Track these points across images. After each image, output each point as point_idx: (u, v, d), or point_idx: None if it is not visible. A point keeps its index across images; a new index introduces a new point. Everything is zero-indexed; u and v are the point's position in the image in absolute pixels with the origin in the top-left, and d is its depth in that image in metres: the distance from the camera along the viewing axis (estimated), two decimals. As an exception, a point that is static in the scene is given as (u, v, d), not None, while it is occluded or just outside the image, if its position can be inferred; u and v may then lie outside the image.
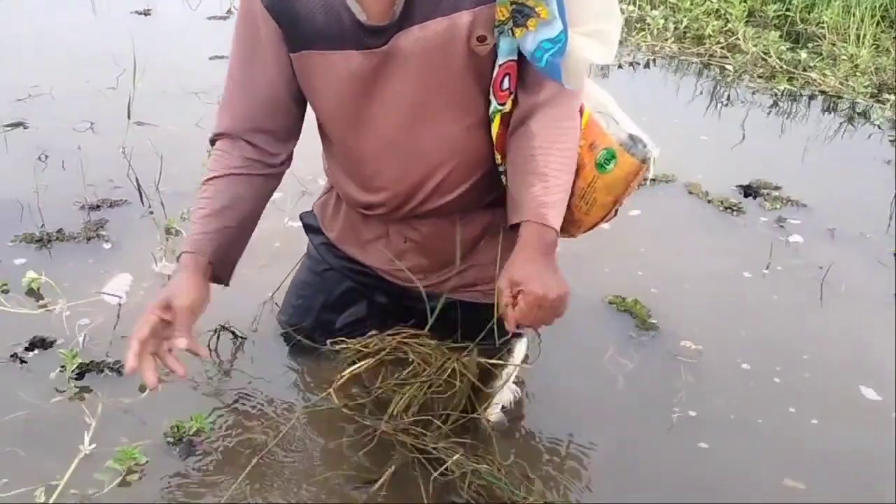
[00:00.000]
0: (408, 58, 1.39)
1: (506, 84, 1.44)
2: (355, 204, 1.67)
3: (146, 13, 4.69)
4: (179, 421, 1.61)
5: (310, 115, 1.62)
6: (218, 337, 1.88)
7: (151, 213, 2.58)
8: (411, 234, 1.66)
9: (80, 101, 3.38)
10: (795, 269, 2.48)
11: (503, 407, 1.67)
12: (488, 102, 1.47)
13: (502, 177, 1.55)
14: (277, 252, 2.28)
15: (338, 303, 1.81)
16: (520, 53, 1.42)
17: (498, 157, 1.52)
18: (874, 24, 4.64)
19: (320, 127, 1.62)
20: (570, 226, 1.58)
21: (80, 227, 2.43)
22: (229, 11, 4.76)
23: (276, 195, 1.69)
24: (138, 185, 2.66)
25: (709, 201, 2.86)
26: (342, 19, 1.37)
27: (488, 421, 1.61)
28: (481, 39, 1.40)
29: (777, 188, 2.98)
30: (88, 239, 2.37)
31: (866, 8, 4.66)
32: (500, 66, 1.42)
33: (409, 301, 1.72)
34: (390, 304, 1.80)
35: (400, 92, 1.44)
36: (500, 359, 1.56)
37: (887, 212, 2.87)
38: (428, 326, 1.60)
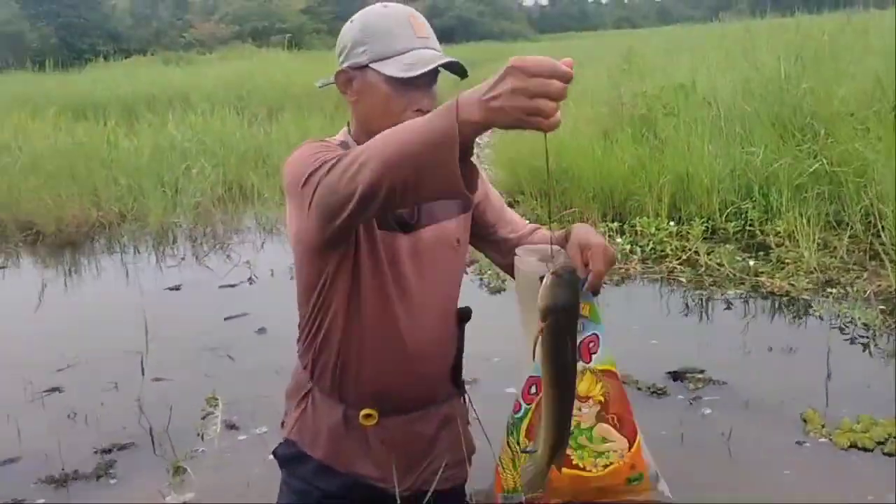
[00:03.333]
0: (420, 252, 1.60)
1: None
2: (351, 401, 1.65)
3: (177, 288, 5.42)
4: None
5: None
6: None
7: (159, 454, 3.02)
8: (385, 435, 1.67)
9: (109, 365, 3.96)
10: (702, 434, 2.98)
11: None
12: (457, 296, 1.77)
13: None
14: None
15: None
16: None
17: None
18: (820, 229, 5.13)
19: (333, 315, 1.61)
20: None
21: (92, 467, 2.87)
22: (251, 279, 5.47)
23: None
24: (150, 430, 3.13)
25: (638, 388, 3.35)
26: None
27: None
28: (458, 241, 1.66)
29: (701, 371, 3.51)
30: (98, 477, 2.80)
31: (813, 215, 5.18)
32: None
33: None
34: None
35: (415, 283, 1.61)
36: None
37: (818, 388, 3.26)
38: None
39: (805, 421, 3.07)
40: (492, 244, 1.80)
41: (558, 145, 6.81)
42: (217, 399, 3.46)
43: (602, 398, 1.63)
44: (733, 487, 2.72)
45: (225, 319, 4.63)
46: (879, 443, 2.88)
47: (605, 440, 1.63)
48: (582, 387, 1.57)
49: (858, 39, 8.69)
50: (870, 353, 3.69)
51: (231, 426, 3.28)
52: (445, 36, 56.09)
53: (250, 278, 5.49)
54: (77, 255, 6.59)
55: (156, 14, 45.01)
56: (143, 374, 3.70)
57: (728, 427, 3.01)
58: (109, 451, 3.04)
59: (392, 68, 1.44)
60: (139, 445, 3.09)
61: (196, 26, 38.88)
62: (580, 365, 1.52)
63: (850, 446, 2.87)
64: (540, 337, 1.24)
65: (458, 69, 1.51)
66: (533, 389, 1.59)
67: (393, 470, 1.64)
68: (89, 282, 5.87)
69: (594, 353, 1.63)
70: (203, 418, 3.33)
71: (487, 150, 9.37)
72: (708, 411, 3.23)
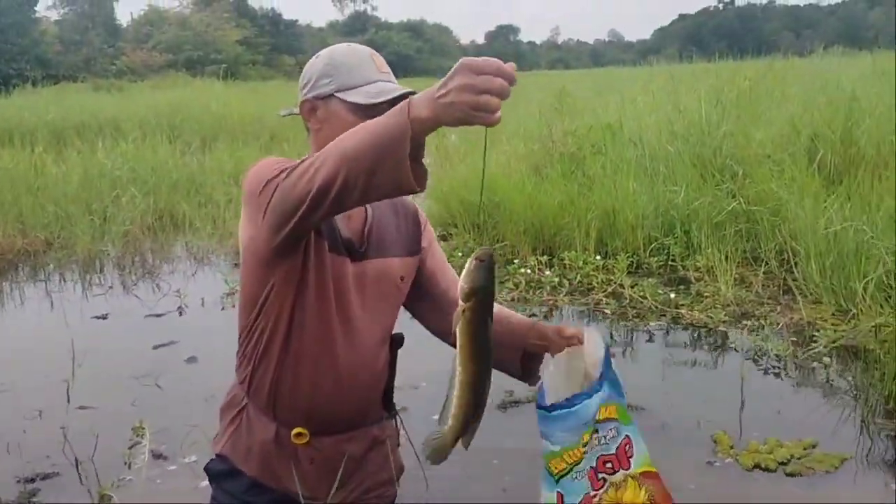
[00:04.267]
0: (365, 282, 1.69)
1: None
2: (284, 420, 1.69)
3: (104, 317, 5.33)
4: None
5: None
6: None
7: (85, 484, 2.97)
8: (316, 454, 1.70)
9: (33, 393, 3.88)
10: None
11: None
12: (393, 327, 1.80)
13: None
14: None
15: None
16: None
17: None
18: (737, 265, 5.39)
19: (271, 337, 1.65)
20: None
21: (14, 496, 2.81)
22: (181, 309, 5.42)
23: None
24: (75, 459, 3.09)
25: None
26: (335, 233, 1.65)
27: None
28: (402, 279, 1.76)
29: None
30: (20, 505, 2.75)
31: (730, 252, 5.44)
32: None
33: None
34: None
35: (357, 309, 1.69)
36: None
37: (732, 414, 3.44)
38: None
39: (716, 442, 3.24)
40: (430, 299, 1.84)
41: (491, 180, 6.96)
42: (144, 428, 3.42)
43: (648, 502, 1.62)
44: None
45: (154, 348, 4.58)
46: (782, 463, 3.06)
47: None
48: (627, 496, 1.60)
49: (777, 85, 9.15)
50: (781, 381, 3.88)
51: (159, 455, 3.25)
52: (382, 71, 56.47)
53: (180, 308, 5.44)
54: (0, 283, 6.42)
55: (86, 40, 44.16)
56: (68, 401, 3.63)
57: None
58: (33, 479, 2.98)
59: (357, 97, 1.58)
60: (63, 474, 3.04)
61: (128, 54, 38.27)
62: (621, 473, 1.59)
63: (755, 467, 3.05)
64: (462, 316, 1.35)
65: None
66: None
67: (323, 487, 1.68)
68: (12, 310, 5.72)
69: (631, 456, 1.62)
70: (130, 447, 3.29)
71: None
72: None
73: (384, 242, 1.73)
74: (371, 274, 1.70)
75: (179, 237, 7.83)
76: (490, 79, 1.18)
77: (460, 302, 1.36)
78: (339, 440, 1.72)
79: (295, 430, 1.68)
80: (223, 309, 5.38)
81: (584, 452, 1.56)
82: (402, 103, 1.28)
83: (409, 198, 1.80)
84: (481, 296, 1.34)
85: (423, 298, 1.85)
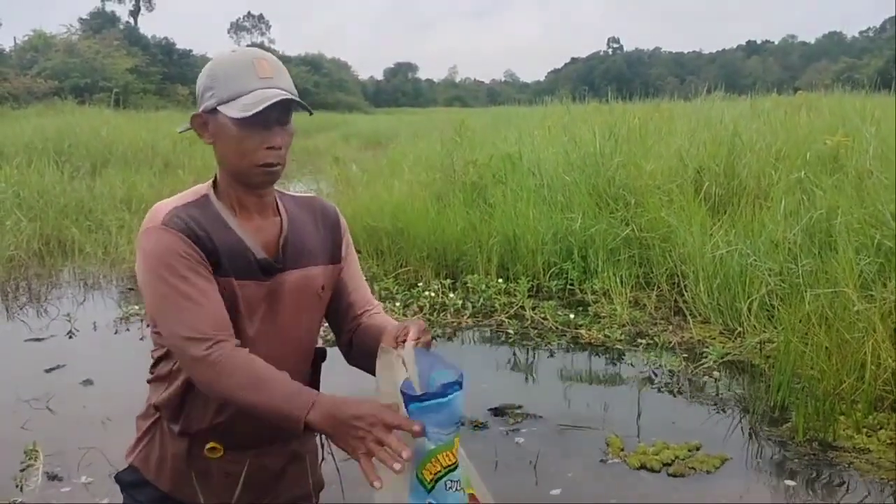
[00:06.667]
0: (281, 296, 1.64)
1: None
2: (196, 434, 1.66)
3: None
4: None
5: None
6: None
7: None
8: (230, 468, 1.67)
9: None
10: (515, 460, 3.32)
11: None
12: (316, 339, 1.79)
13: None
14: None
15: None
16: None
17: None
18: (631, 287, 5.62)
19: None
20: None
21: None
22: (70, 333, 5.19)
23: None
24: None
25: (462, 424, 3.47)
26: (247, 256, 1.59)
27: None
28: (323, 289, 1.71)
29: (519, 407, 3.85)
30: None
31: (625, 276, 5.67)
32: None
33: None
34: None
35: (272, 322, 1.65)
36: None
37: (630, 423, 3.56)
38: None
39: (608, 444, 3.42)
40: (340, 307, 1.79)
41: (394, 206, 7.03)
42: (37, 451, 3.26)
43: None
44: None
45: (46, 371, 4.37)
46: (666, 464, 3.25)
47: None
48: None
49: (665, 123, 9.63)
50: (674, 396, 4.06)
51: (53, 477, 3.11)
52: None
53: (70, 332, 5.21)
54: None
55: (-35, 64, 41.97)
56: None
57: (536, 453, 3.33)
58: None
59: (233, 110, 1.50)
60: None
61: (10, 80, 36.56)
62: None
63: (641, 467, 3.24)
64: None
65: (303, 106, 1.57)
66: None
67: (240, 500, 1.64)
68: None
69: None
70: (22, 470, 3.13)
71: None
72: (521, 440, 3.54)
73: (303, 252, 1.68)
74: (289, 286, 1.65)
75: (68, 262, 7.51)
76: (403, 446, 1.29)
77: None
78: (256, 454, 1.69)
79: (208, 445, 1.65)
80: (116, 333, 5.20)
81: (457, 459, 1.37)
82: (306, 398, 1.40)
83: (330, 202, 1.82)
84: None
85: (335, 307, 1.80)
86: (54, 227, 8.22)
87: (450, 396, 1.34)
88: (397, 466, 1.27)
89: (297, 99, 1.54)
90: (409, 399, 1.33)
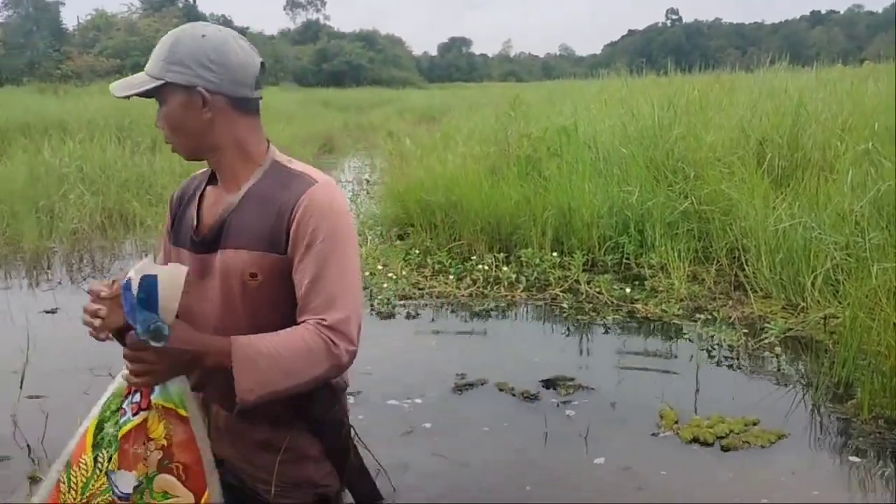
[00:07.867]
0: (210, 274, 1.68)
1: None
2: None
3: (53, 311, 5.20)
4: None
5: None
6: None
7: (35, 467, 2.90)
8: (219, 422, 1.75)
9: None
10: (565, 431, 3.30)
11: None
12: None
13: None
14: None
15: None
16: None
17: None
18: (690, 262, 5.51)
19: None
20: None
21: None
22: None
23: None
24: (27, 444, 3.01)
25: (513, 395, 3.63)
26: (188, 227, 1.75)
27: None
28: (252, 276, 1.63)
29: (571, 379, 3.80)
30: (-30, 490, 2.67)
31: (683, 250, 5.55)
32: None
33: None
34: None
35: (202, 298, 1.69)
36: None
37: (687, 398, 3.52)
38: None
39: (661, 417, 3.36)
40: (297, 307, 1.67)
41: (448, 180, 7.00)
42: (99, 414, 3.35)
43: (165, 441, 1.47)
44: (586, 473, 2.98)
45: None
46: (720, 437, 3.17)
47: (166, 494, 1.46)
48: (152, 428, 1.49)
49: (726, 94, 9.37)
50: (734, 371, 3.97)
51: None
52: (335, 79, 56.35)
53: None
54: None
55: (30, 44, 43.12)
56: (21, 389, 3.51)
57: (587, 425, 3.27)
58: (-18, 463, 2.90)
59: None
60: (14, 458, 2.97)
61: (73, 58, 37.41)
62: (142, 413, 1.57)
63: (693, 440, 3.16)
64: None
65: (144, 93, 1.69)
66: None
67: None
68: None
69: (152, 393, 1.56)
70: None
71: (377, 185, 9.50)
72: (571, 413, 3.48)
73: (239, 234, 1.65)
74: (218, 266, 1.66)
75: (129, 235, 7.69)
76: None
77: None
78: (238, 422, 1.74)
79: None
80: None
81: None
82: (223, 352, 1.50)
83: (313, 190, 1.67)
84: None
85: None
86: (116, 201, 8.42)
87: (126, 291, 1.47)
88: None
89: (136, 92, 1.69)
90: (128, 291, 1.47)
